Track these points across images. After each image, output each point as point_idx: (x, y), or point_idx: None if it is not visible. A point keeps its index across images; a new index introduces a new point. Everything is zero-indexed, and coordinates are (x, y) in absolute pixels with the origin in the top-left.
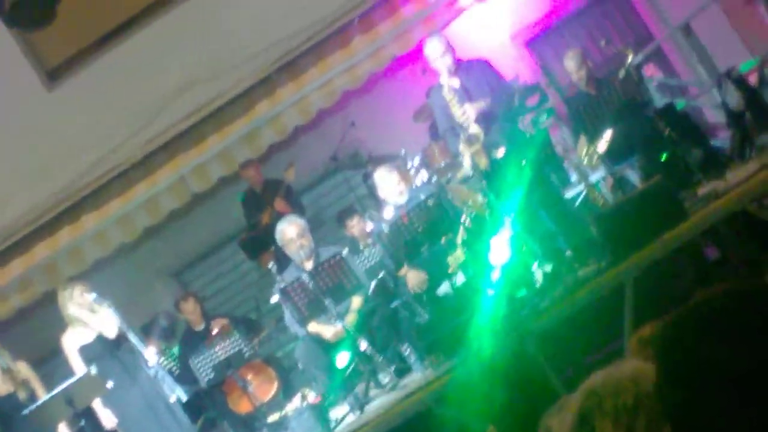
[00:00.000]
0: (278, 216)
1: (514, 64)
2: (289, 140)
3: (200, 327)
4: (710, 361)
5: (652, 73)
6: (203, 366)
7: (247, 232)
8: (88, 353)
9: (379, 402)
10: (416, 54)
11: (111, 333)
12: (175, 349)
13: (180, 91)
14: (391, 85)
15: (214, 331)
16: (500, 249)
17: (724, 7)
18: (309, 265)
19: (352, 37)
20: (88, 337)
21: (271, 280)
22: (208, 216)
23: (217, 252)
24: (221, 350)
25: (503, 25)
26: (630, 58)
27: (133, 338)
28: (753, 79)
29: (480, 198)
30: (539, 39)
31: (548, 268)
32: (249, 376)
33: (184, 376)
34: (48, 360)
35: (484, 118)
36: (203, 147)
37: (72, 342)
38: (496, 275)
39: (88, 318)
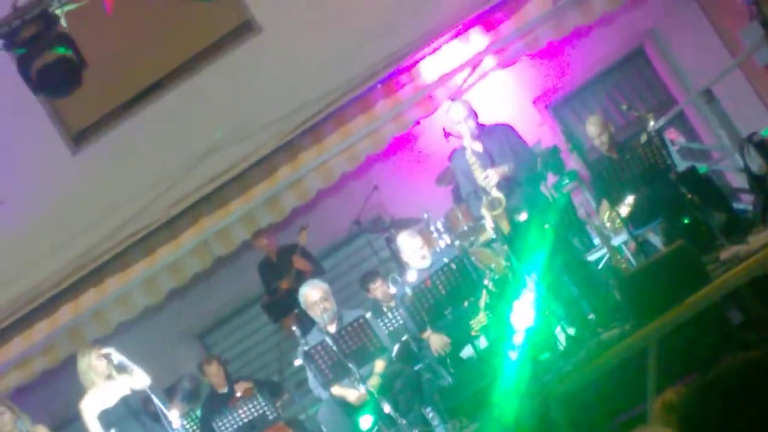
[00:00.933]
0: (300, 277)
1: (536, 129)
2: (312, 204)
3: (224, 390)
4: None
5: (673, 137)
6: (227, 428)
7: (268, 296)
8: (109, 418)
9: None
10: (439, 118)
11: (138, 389)
12: (198, 412)
13: (203, 155)
14: (414, 149)
15: (238, 394)
16: (523, 312)
17: (746, 72)
18: (332, 328)
19: (375, 101)
20: (109, 402)
21: (295, 342)
22: (231, 278)
23: (240, 314)
24: (244, 413)
25: (525, 90)
26: (651, 123)
27: (156, 400)
28: None
29: (502, 261)
30: (561, 103)
31: (571, 331)
32: None
33: None
34: (68, 424)
35: (507, 183)
36: (227, 211)
37: (90, 406)
38: (519, 338)
39: (106, 383)
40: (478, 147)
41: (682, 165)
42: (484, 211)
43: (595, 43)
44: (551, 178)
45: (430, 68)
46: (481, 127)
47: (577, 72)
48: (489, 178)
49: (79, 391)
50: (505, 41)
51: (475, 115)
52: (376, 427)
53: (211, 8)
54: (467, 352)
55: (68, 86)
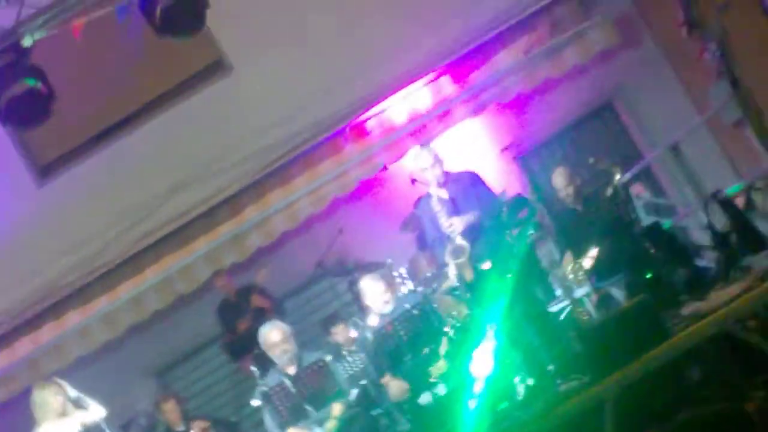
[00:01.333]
0: (259, 316)
1: (503, 178)
2: (277, 244)
3: (180, 428)
4: None
5: (639, 191)
6: None
7: (229, 335)
8: None
9: None
10: (406, 163)
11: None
12: None
13: (170, 192)
14: (381, 193)
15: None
16: (483, 361)
17: (713, 129)
18: (291, 369)
19: (343, 144)
20: None
21: (253, 383)
22: (192, 316)
23: (199, 353)
24: None
25: (493, 139)
26: (618, 176)
27: None
28: (740, 202)
29: (464, 309)
30: (528, 153)
31: (530, 381)
32: None
33: None
34: None
35: (471, 231)
36: (191, 248)
37: None
38: (478, 387)
39: (60, 419)
40: (444, 194)
41: (646, 220)
42: (447, 259)
43: (564, 95)
44: (515, 228)
45: (399, 114)
46: (447, 174)
47: (545, 123)
48: (454, 225)
49: (33, 423)
50: (475, 90)
51: (442, 162)
52: None
53: (183, 46)
54: (426, 399)
55: (36, 118)
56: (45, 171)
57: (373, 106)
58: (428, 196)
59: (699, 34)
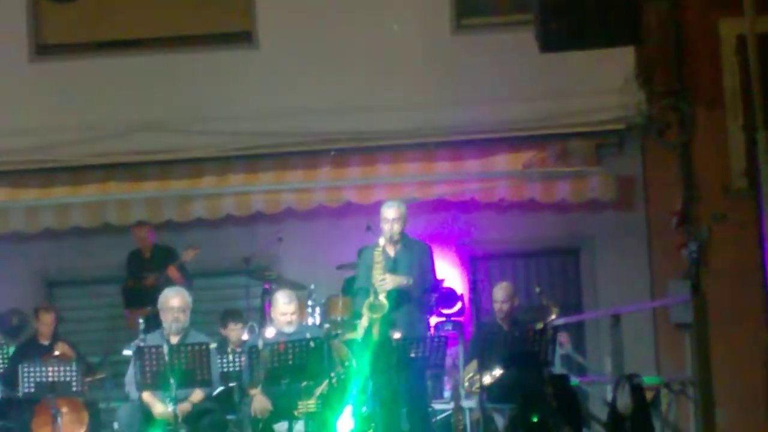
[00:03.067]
0: (168, 282)
1: (449, 268)
2: (217, 224)
3: (46, 342)
4: None
5: (564, 341)
6: (29, 377)
7: (133, 282)
8: None
9: None
10: (368, 209)
11: None
12: (11, 349)
13: (145, 126)
14: (333, 225)
15: (56, 352)
16: (348, 420)
17: (657, 319)
18: (174, 339)
19: (320, 164)
20: None
21: (132, 335)
22: (106, 248)
23: (96, 285)
24: (53, 372)
25: (457, 229)
26: (553, 317)
27: None
28: (648, 395)
29: (355, 364)
30: (482, 257)
31: None
32: (64, 409)
33: (7, 377)
34: None
35: (399, 295)
36: (138, 186)
37: None
38: None
39: None
40: (391, 251)
41: (558, 368)
42: (364, 311)
43: (540, 222)
44: (438, 317)
45: (385, 164)
46: (403, 234)
47: (511, 237)
48: (385, 281)
49: None
50: (462, 175)
51: (405, 223)
52: None
53: (224, 1)
54: (281, 428)
55: None
56: (42, 50)
57: (364, 144)
58: (375, 246)
59: (686, 230)
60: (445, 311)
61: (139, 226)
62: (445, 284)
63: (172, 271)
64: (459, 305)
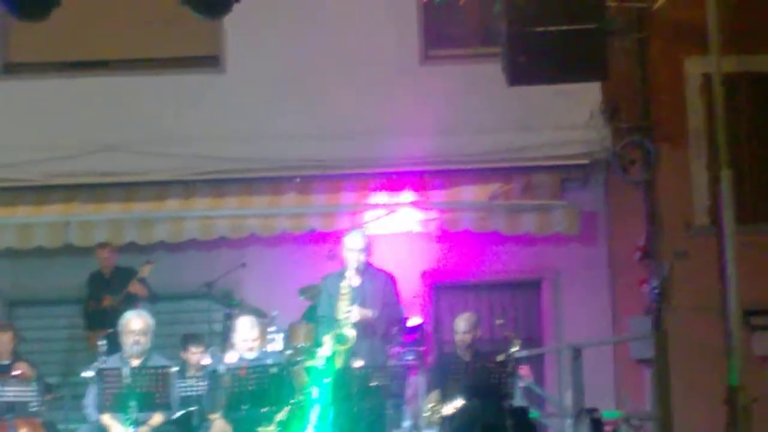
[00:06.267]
0: (129, 302)
1: (412, 298)
2: (179, 247)
3: (5, 361)
4: None
5: (525, 374)
6: None
7: (92, 303)
8: None
9: None
10: (331, 236)
11: None
12: None
13: (109, 148)
14: (297, 252)
15: (16, 372)
16: None
17: (617, 354)
18: (135, 362)
19: (284, 190)
20: None
21: (92, 357)
22: (69, 268)
23: (57, 305)
24: (11, 392)
25: (421, 257)
26: (515, 349)
27: None
28: (607, 429)
29: (315, 391)
30: (445, 286)
31: None
32: (22, 430)
33: None
34: None
35: (363, 327)
36: (101, 207)
37: None
38: None
39: None
40: (356, 282)
41: (519, 401)
42: (327, 339)
43: (504, 254)
44: (400, 347)
45: (350, 192)
46: (368, 264)
47: (475, 269)
48: (351, 313)
49: None
50: (428, 204)
51: (370, 252)
52: None
53: (192, 24)
54: None
55: (35, 13)
56: (8, 68)
57: (328, 172)
58: (338, 275)
59: (648, 265)
60: (406, 341)
61: (102, 247)
62: (408, 314)
63: (135, 286)
64: (419, 337)
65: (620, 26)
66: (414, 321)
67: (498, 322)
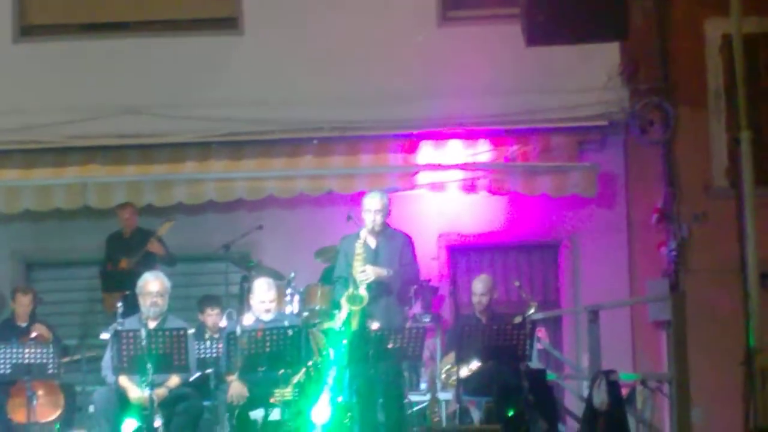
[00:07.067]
0: (147, 261)
1: (429, 259)
2: (198, 209)
3: (23, 323)
4: None
5: (542, 336)
6: (5, 358)
7: (110, 265)
8: None
9: None
10: (349, 199)
11: None
12: None
13: (129, 111)
14: (314, 214)
15: (34, 334)
16: (324, 409)
17: (635, 317)
18: (152, 324)
19: (303, 152)
20: None
21: (109, 319)
22: (87, 230)
23: (75, 267)
24: (29, 354)
25: (438, 220)
26: (532, 311)
27: None
28: (624, 392)
29: (332, 353)
30: (461, 249)
31: None
32: (39, 391)
33: None
34: None
35: (378, 287)
36: (120, 170)
37: None
38: None
39: None
40: (372, 242)
41: (536, 363)
42: (343, 301)
43: (521, 217)
44: (417, 308)
45: (368, 153)
46: (385, 225)
47: (491, 231)
48: (366, 273)
49: None
50: (446, 167)
51: (387, 213)
52: None
53: None
54: (257, 414)
55: None
56: (26, 31)
57: (348, 134)
58: (356, 236)
59: (666, 228)
60: (424, 302)
61: (123, 207)
62: (425, 276)
63: (153, 244)
64: (435, 298)
65: None
66: (431, 283)
67: (515, 284)
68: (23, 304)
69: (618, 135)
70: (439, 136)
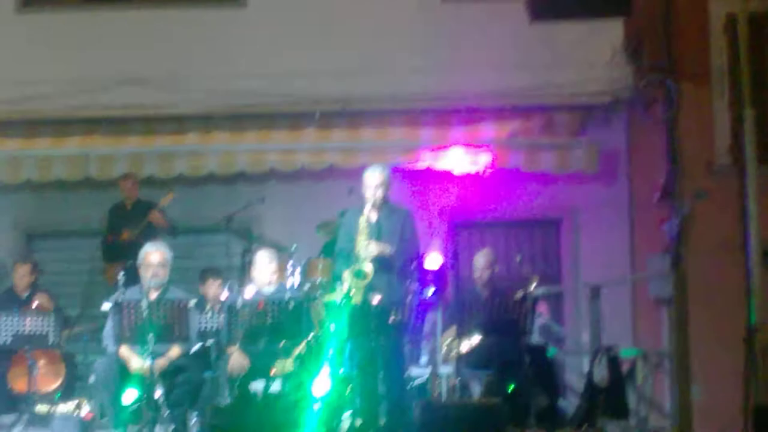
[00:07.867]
0: (149, 234)
1: (430, 234)
2: (200, 182)
3: (24, 294)
4: None
5: (542, 311)
6: (6, 328)
7: (111, 236)
8: None
9: None
10: (351, 173)
11: None
12: None
13: (128, 80)
14: (316, 187)
15: (35, 304)
16: (324, 382)
17: (635, 293)
18: (153, 295)
19: (305, 126)
20: None
21: (110, 290)
22: (88, 201)
23: (76, 237)
24: (30, 324)
25: (439, 196)
26: (533, 286)
27: None
28: (624, 368)
29: (332, 327)
30: (463, 224)
31: (359, 422)
32: (40, 361)
33: None
34: None
35: (380, 261)
36: (122, 141)
37: None
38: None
39: None
40: (373, 217)
41: (536, 338)
42: (346, 276)
43: (523, 192)
44: (418, 284)
45: (369, 128)
46: (386, 200)
47: (494, 208)
48: (370, 248)
49: None
50: (448, 142)
51: (389, 188)
52: (137, 405)
53: None
54: (257, 386)
55: None
56: (28, 1)
57: (349, 109)
58: (357, 211)
59: (668, 205)
60: (425, 277)
61: (125, 178)
62: (426, 251)
63: (155, 215)
64: (440, 271)
65: None
66: (434, 260)
67: (517, 259)
68: (21, 275)
69: (621, 112)
70: (441, 112)
